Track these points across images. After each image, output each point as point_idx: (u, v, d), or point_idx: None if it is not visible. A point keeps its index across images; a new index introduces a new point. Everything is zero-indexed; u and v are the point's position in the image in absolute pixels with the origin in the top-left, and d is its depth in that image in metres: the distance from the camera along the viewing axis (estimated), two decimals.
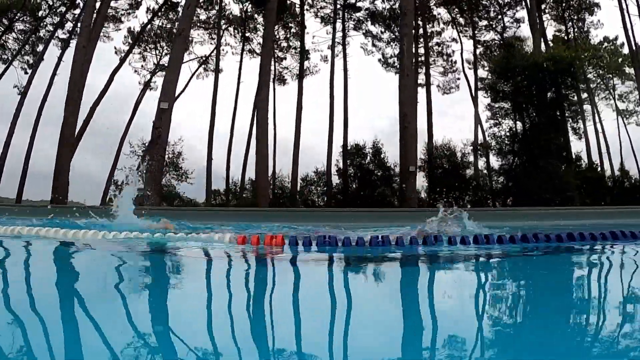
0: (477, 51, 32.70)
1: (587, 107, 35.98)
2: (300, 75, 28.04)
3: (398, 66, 18.92)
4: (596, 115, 34.49)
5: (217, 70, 26.84)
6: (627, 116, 36.82)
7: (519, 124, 20.54)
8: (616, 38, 34.09)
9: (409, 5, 17.94)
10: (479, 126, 25.99)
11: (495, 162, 21.88)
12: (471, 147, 22.70)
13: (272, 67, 32.62)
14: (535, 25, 24.77)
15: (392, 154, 23.37)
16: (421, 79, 31.85)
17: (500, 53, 26.97)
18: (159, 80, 32.12)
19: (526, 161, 19.47)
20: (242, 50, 31.57)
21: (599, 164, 32.15)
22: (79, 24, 27.10)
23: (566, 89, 20.15)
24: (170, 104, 15.36)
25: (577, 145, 30.29)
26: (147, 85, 32.07)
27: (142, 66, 33.11)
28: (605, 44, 36.24)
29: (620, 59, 35.00)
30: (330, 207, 22.99)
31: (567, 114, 21.75)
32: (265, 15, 22.15)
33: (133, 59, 32.70)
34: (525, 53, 21.63)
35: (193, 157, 32.00)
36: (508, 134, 20.28)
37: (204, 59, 31.78)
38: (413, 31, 22.69)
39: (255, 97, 18.63)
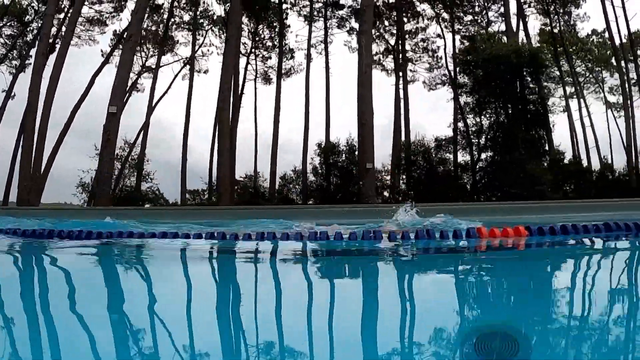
0: (463, 46, 32.64)
1: (576, 101, 36.00)
2: (279, 75, 28.23)
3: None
4: (584, 109, 34.29)
5: (192, 70, 27.10)
6: (618, 109, 36.39)
7: (488, 119, 20.42)
8: (604, 31, 33.62)
9: (368, 3, 18.00)
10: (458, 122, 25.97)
11: (462, 157, 21.85)
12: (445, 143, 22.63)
13: (255, 66, 33.01)
14: (509, 18, 24.68)
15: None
16: (410, 75, 32.02)
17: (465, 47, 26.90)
18: (145, 81, 32.57)
19: (493, 156, 19.44)
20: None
21: (587, 158, 32.08)
22: (63, 27, 27.59)
23: (533, 82, 19.96)
24: (119, 108, 15.62)
25: (563, 139, 30.18)
26: (133, 87, 32.34)
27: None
28: (593, 37, 36.03)
29: (608, 52, 34.68)
30: (306, 205, 23.12)
31: (538, 107, 21.54)
32: (230, 14, 22.31)
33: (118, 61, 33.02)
34: (487, 47, 21.52)
35: (191, 158, 32.13)
36: (473, 129, 20.23)
37: (186, 60, 31.97)
38: (374, 30, 22.68)
39: (217, 97, 18.73)
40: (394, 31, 32.88)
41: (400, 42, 31.09)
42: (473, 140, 20.26)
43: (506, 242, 3.30)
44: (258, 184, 27.26)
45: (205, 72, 32.94)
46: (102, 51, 31.97)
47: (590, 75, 36.60)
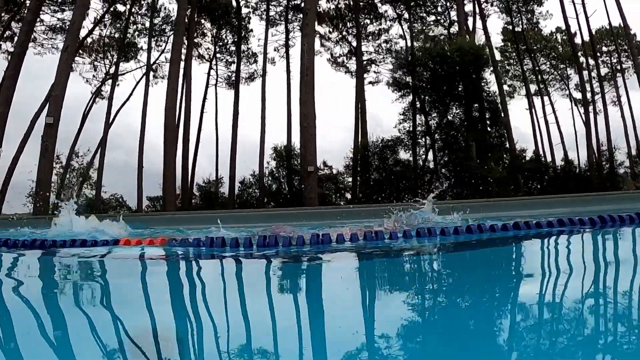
0: (427, 45, 32.75)
1: (545, 98, 36.26)
2: (237, 80, 28.20)
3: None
4: (548, 106, 34.55)
5: (148, 76, 27.00)
6: (583, 104, 36.61)
7: (433, 118, 20.46)
8: (566, 28, 33.79)
9: (311, 6, 18.06)
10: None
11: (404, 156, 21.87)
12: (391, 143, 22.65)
13: (217, 71, 33.03)
14: (462, 17, 24.80)
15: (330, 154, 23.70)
16: (374, 77, 32.11)
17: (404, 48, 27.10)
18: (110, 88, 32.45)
19: (442, 156, 19.50)
20: (188, 55, 31.71)
21: (551, 155, 32.30)
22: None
23: (479, 80, 20.01)
24: (56, 119, 15.60)
25: (526, 137, 30.32)
26: (97, 94, 32.28)
27: (93, 76, 33.35)
28: (557, 35, 36.25)
29: (573, 49, 34.88)
30: (262, 208, 23.13)
31: (490, 106, 21.58)
32: (175, 24, 22.36)
33: (84, 69, 32.98)
34: (430, 46, 21.58)
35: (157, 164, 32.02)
36: (419, 129, 20.27)
37: (144, 66, 31.89)
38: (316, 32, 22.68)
39: (165, 104, 18.69)
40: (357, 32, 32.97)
41: (360, 43, 31.07)
42: (419, 140, 20.30)
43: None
44: (218, 188, 27.26)
45: (164, 77, 32.94)
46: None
47: (556, 73, 36.82)
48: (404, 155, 22.09)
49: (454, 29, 32.30)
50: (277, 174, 23.65)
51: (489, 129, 21.20)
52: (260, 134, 25.13)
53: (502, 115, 28.03)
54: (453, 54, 18.97)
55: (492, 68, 21.24)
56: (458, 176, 18.97)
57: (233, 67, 33.13)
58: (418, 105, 20.15)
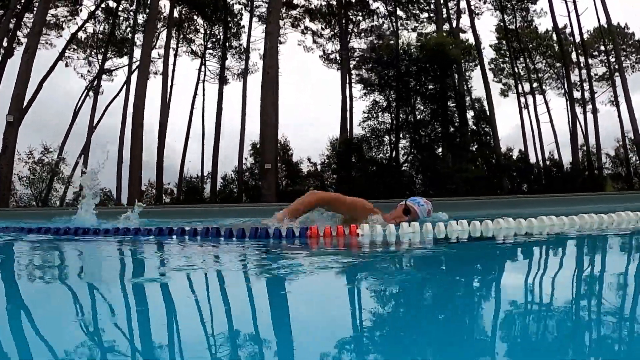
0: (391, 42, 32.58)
1: (539, 97, 35.89)
2: (221, 77, 28.39)
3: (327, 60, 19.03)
4: (537, 106, 34.22)
5: (129, 73, 27.27)
6: (582, 104, 36.15)
7: (395, 117, 20.32)
8: (565, 27, 33.36)
9: (275, 4, 18.13)
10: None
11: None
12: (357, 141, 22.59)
13: (212, 67, 33.26)
14: (440, 14, 24.66)
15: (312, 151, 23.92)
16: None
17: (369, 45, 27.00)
18: (104, 84, 32.97)
19: (409, 154, 19.44)
20: (176, 51, 32.05)
21: (541, 154, 31.99)
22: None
23: (445, 77, 19.84)
24: (17, 117, 15.93)
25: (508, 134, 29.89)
26: (90, 90, 32.73)
27: (88, 71, 33.82)
28: (553, 33, 35.75)
29: (568, 48, 34.42)
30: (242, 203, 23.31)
31: (459, 102, 21.42)
32: (148, 21, 22.58)
33: (79, 64, 33.50)
34: (394, 43, 21.44)
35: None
36: (382, 127, 20.18)
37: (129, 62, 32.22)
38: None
39: (134, 100, 18.94)
40: (351, 30, 32.92)
41: (347, 39, 31.05)
42: (383, 139, 20.24)
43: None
44: (203, 184, 27.53)
45: (161, 74, 33.29)
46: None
47: (552, 71, 36.34)
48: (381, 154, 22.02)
49: (446, 26, 32.29)
50: (255, 170, 23.80)
51: (483, 126, 20.95)
52: (240, 130, 25.32)
53: (487, 113, 27.92)
54: (419, 51, 18.88)
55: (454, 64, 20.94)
56: (426, 175, 18.91)
57: (225, 63, 33.38)
58: (385, 104, 20.06)
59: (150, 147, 26.83)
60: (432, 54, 18.34)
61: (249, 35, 29.03)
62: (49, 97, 33.39)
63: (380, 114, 20.00)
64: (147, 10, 23.58)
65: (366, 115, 20.32)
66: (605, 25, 26.94)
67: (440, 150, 21.01)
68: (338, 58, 33.07)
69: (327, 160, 22.90)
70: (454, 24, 30.89)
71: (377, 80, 19.66)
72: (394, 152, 20.02)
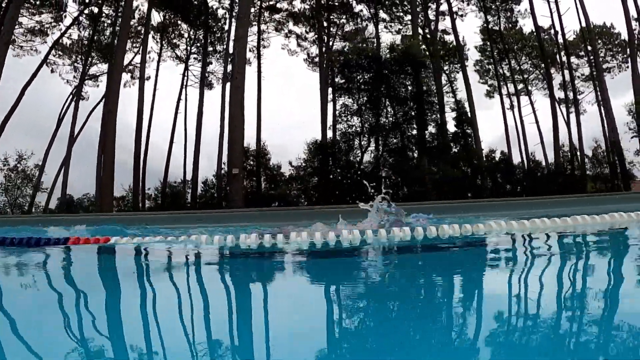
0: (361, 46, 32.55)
1: (525, 98, 35.82)
2: (202, 83, 28.47)
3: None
4: (521, 107, 34.14)
5: (110, 78, 27.26)
6: (566, 105, 36.02)
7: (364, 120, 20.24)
8: (550, 27, 33.30)
9: (245, 10, 18.15)
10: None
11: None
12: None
13: (199, 72, 33.29)
14: (415, 16, 24.66)
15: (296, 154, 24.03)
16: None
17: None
18: (89, 89, 33.04)
19: (378, 157, 19.39)
20: (159, 56, 32.14)
21: (526, 155, 31.88)
22: None
23: (415, 80, 19.72)
24: None
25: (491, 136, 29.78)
26: (76, 95, 32.80)
27: (74, 77, 33.89)
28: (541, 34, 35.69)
29: (554, 49, 34.34)
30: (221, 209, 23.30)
31: (428, 105, 21.33)
32: (122, 27, 22.63)
33: (64, 70, 33.58)
34: (365, 47, 21.41)
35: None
36: (350, 130, 20.12)
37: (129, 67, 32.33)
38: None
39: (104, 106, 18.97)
40: (334, 32, 32.94)
41: (329, 42, 31.06)
42: (353, 142, 20.19)
43: None
44: (185, 189, 27.55)
45: (148, 78, 33.38)
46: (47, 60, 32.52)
47: (538, 72, 36.25)
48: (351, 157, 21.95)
49: (430, 28, 32.28)
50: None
51: (444, 128, 20.90)
52: (220, 135, 25.30)
53: (469, 115, 27.89)
54: (389, 54, 18.84)
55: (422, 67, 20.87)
56: (397, 178, 18.89)
57: (209, 68, 33.43)
58: (356, 107, 19.99)
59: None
60: (401, 56, 18.31)
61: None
62: (39, 102, 33.33)
63: (350, 117, 19.97)
64: (121, 12, 23.59)
65: (337, 119, 20.31)
66: (585, 26, 26.78)
67: (414, 153, 20.96)
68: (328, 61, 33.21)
69: (303, 164, 22.85)
70: (436, 26, 30.79)
71: (347, 84, 19.63)
72: (364, 156, 19.98)
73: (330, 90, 22.14)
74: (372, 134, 19.44)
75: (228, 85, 29.79)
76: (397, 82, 18.96)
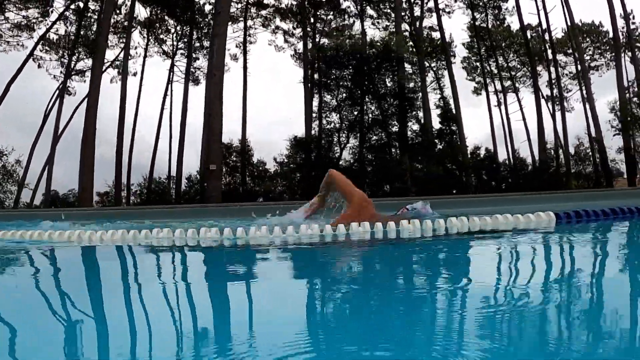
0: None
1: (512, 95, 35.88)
2: (186, 77, 28.39)
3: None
4: (507, 104, 34.22)
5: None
6: (557, 102, 36.04)
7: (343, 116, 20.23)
8: (539, 25, 33.30)
9: (224, 5, 18.10)
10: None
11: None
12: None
13: (185, 67, 33.22)
14: (399, 12, 24.63)
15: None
16: None
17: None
18: (77, 85, 32.95)
19: (359, 153, 19.39)
20: (145, 50, 32.09)
21: (512, 151, 31.95)
22: None
23: (391, 75, 19.68)
24: None
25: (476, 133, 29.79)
26: (61, 91, 32.70)
27: (61, 72, 33.78)
28: (528, 32, 35.70)
29: (541, 46, 34.35)
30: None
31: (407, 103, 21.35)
32: (103, 20, 22.55)
33: (51, 66, 33.46)
34: (343, 43, 21.34)
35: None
36: (329, 126, 20.14)
37: (113, 62, 32.24)
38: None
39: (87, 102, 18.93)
40: (322, 29, 32.87)
41: (318, 40, 30.99)
42: (329, 139, 20.18)
43: None
44: (170, 185, 27.52)
45: (135, 74, 33.35)
46: (34, 55, 32.42)
47: (526, 69, 36.27)
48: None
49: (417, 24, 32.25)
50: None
51: (426, 124, 20.87)
52: (203, 130, 25.24)
53: (454, 112, 27.91)
54: (368, 50, 18.82)
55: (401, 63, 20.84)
56: (377, 174, 18.90)
57: (197, 63, 33.36)
58: (335, 103, 19.97)
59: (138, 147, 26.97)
60: (381, 52, 18.30)
61: (246, 34, 29.36)
62: (25, 98, 33.28)
63: (329, 113, 19.97)
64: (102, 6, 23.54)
65: (315, 115, 20.31)
66: (570, 24, 26.81)
67: (396, 150, 20.97)
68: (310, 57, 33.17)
69: (286, 161, 22.86)
70: (421, 23, 30.78)
71: (325, 81, 19.62)
72: (343, 153, 19.98)
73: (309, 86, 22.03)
74: (351, 131, 19.41)
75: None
76: (377, 79, 18.94)
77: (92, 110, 18.94)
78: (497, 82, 34.73)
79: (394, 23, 32.49)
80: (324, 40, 28.26)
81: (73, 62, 33.12)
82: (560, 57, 34.98)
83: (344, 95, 19.38)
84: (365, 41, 30.06)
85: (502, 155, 31.87)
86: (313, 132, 22.39)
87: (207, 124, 16.99)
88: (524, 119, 33.97)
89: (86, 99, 26.30)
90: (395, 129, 20.15)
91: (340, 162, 20.13)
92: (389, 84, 19.41)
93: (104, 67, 32.22)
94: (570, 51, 34.47)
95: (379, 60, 18.66)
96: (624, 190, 17.60)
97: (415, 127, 20.63)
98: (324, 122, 20.18)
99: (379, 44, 19.22)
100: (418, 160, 21.29)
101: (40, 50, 33.03)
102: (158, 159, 31.48)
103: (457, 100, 28.02)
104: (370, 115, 19.57)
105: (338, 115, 19.63)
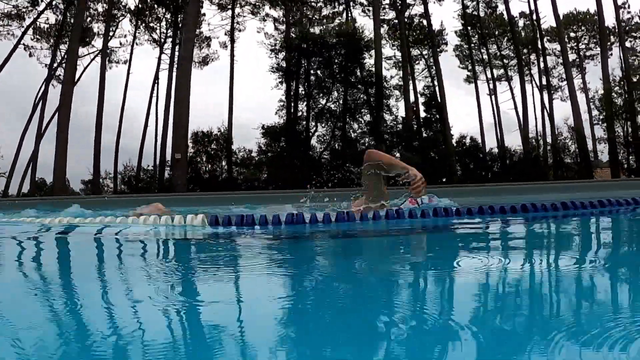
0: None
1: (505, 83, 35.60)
2: (170, 65, 28.42)
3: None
4: (497, 93, 33.93)
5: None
6: (553, 91, 35.63)
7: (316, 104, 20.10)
8: (532, 13, 32.89)
9: None
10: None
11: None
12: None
13: (169, 55, 33.24)
14: (377, 2, 24.40)
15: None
16: None
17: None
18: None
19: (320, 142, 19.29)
20: (134, 38, 32.18)
21: (502, 141, 31.70)
22: None
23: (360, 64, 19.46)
24: None
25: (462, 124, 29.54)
26: (47, 79, 32.83)
27: (52, 60, 33.99)
28: (522, 20, 35.28)
29: (534, 35, 33.94)
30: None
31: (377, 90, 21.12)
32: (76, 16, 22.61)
33: (42, 54, 33.70)
34: (312, 31, 21.16)
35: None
36: (296, 115, 20.03)
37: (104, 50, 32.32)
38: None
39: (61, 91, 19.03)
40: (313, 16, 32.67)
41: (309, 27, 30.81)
42: (299, 128, 20.10)
43: None
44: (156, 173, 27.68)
45: (125, 62, 33.55)
46: (24, 45, 32.64)
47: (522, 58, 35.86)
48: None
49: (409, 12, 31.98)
50: (197, 159, 23.93)
51: (386, 115, 20.72)
52: (173, 119, 25.34)
53: (439, 101, 27.72)
54: (334, 38, 18.65)
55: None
56: (351, 164, 18.88)
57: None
58: (302, 91, 19.85)
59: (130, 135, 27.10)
60: (347, 40, 18.18)
61: (233, 22, 29.34)
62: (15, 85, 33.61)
63: (299, 102, 19.90)
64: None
65: (282, 104, 20.27)
66: (554, 12, 26.43)
67: (370, 139, 20.88)
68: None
69: (264, 149, 22.86)
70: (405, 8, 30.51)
71: (294, 69, 19.53)
72: (311, 141, 19.90)
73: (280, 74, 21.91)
74: (319, 119, 19.35)
75: (200, 69, 30.12)
76: (346, 67, 18.84)
77: (66, 96, 19.05)
78: (489, 70, 34.35)
79: (384, 10, 32.41)
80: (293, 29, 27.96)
81: (58, 50, 33.39)
82: (555, 45, 34.64)
83: (311, 82, 19.28)
84: (355, 29, 30.05)
85: (493, 144, 31.76)
86: (282, 120, 22.25)
87: (174, 113, 17.04)
88: (515, 107, 33.82)
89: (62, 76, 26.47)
90: (367, 117, 20.01)
91: (310, 152, 20.11)
92: (357, 73, 19.23)
93: (86, 51, 32.48)
94: (566, 40, 34.11)
95: (347, 48, 18.51)
96: (603, 183, 17.39)
97: (391, 117, 20.45)
98: (292, 110, 20.10)
99: (346, 30, 19.03)
100: (397, 150, 21.22)
101: (32, 39, 33.36)
102: (147, 146, 31.80)
103: (442, 88, 27.83)
104: (340, 104, 19.47)
105: (305, 103, 19.56)
